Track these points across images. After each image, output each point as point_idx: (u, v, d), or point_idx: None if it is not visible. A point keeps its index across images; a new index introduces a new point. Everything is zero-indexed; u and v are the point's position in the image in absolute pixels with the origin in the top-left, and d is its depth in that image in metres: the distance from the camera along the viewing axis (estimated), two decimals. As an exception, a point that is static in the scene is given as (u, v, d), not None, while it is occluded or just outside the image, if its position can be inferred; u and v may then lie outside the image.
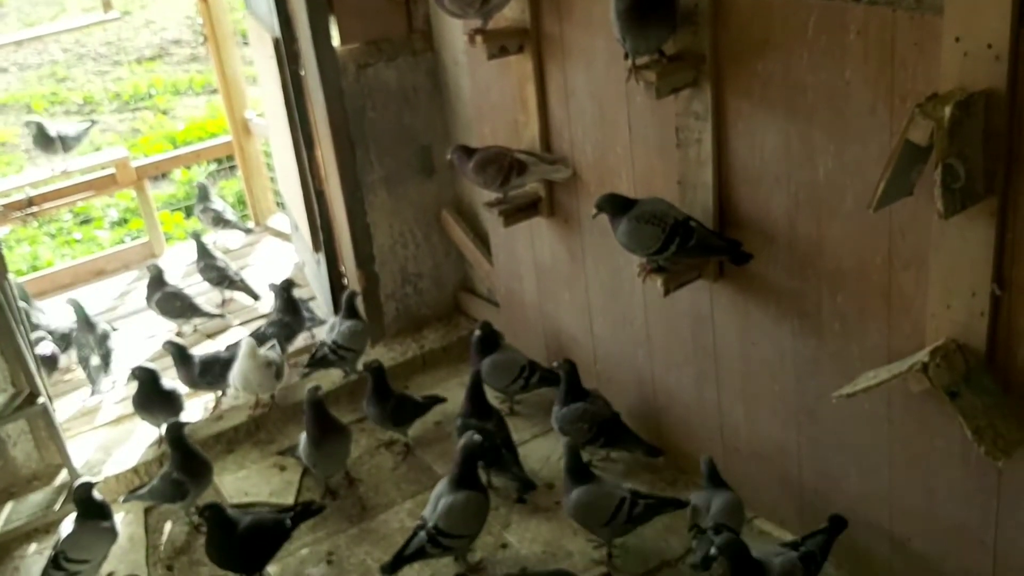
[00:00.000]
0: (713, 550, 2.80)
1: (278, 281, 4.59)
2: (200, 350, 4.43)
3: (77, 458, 3.96)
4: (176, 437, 3.60)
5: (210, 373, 4.12)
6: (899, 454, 2.75)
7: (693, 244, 2.87)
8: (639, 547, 3.31)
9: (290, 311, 4.53)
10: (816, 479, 3.05)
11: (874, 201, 2.27)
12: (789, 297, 2.88)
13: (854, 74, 2.47)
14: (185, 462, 3.59)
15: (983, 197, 2.24)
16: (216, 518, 3.26)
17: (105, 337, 4.54)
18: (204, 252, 5.08)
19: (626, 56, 2.81)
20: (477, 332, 4.00)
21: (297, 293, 4.63)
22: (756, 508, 3.30)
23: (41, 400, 3.72)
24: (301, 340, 4.64)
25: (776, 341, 2.98)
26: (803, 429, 3.02)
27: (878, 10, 2.37)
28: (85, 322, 4.54)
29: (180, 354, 4.13)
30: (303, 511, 3.44)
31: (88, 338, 4.51)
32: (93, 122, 5.85)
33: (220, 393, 4.28)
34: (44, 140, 5.49)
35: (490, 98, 3.90)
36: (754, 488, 3.28)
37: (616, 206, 2.96)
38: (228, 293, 5.13)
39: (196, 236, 5.18)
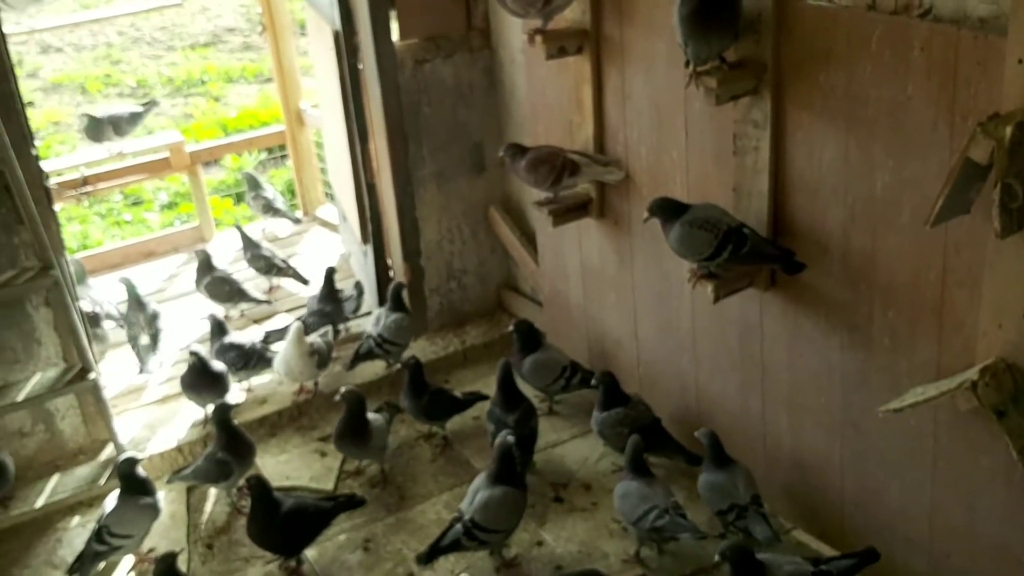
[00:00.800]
0: (717, 556, 2.84)
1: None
2: (246, 335, 4.50)
3: (123, 435, 4.04)
4: (223, 418, 3.67)
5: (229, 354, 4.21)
6: (943, 471, 2.74)
7: (746, 251, 2.88)
8: (675, 550, 3.32)
9: (331, 300, 4.61)
10: (858, 492, 3.05)
11: (931, 217, 2.28)
12: (840, 309, 2.88)
13: (916, 90, 2.47)
14: (231, 442, 3.66)
15: (1042, 218, 2.23)
16: (260, 494, 3.32)
17: (155, 317, 4.63)
18: (249, 242, 5.17)
19: (687, 62, 2.83)
20: (511, 328, 4.01)
21: (339, 284, 4.70)
22: (795, 519, 3.30)
23: (92, 376, 3.81)
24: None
25: (824, 353, 2.98)
26: (847, 442, 3.02)
27: (943, 28, 2.37)
28: (136, 301, 4.63)
29: (219, 329, 4.26)
30: (345, 502, 3.49)
31: (138, 317, 4.60)
32: (152, 103, 5.89)
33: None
34: (96, 131, 5.56)
35: (545, 98, 3.93)
36: (794, 499, 3.28)
37: (669, 210, 2.97)
38: (276, 280, 5.21)
39: (238, 227, 5.27)
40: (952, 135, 2.42)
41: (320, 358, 4.18)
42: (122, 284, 4.71)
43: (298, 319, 4.49)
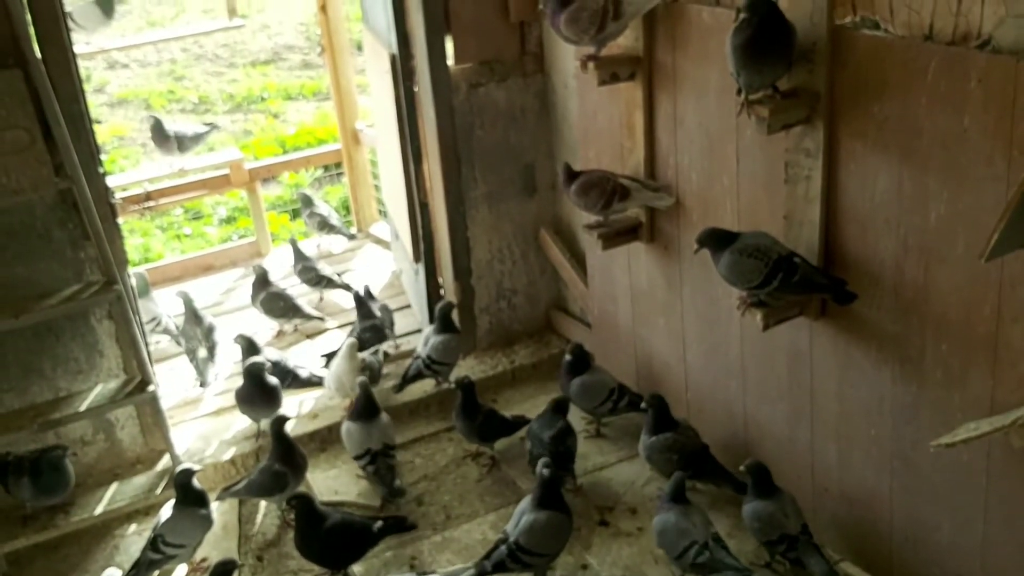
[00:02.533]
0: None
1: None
2: (278, 352, 4.57)
3: (179, 446, 4.13)
4: (279, 430, 3.74)
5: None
6: (995, 509, 2.69)
7: (796, 280, 2.86)
8: None
9: (371, 318, 4.68)
10: (907, 526, 3.00)
11: (987, 251, 2.24)
12: (891, 341, 2.85)
13: (972, 122, 2.45)
14: (287, 455, 3.73)
15: (1102, 254, 2.20)
16: (304, 509, 3.38)
17: (211, 330, 4.74)
18: (300, 255, 5.29)
19: (739, 91, 2.83)
20: (568, 357, 4.02)
21: (379, 301, 4.83)
22: (843, 551, 3.26)
23: (151, 388, 3.90)
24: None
25: (875, 384, 2.95)
26: (897, 475, 2.98)
27: (1001, 59, 2.35)
28: (193, 315, 4.74)
29: (250, 348, 4.33)
30: (394, 524, 3.53)
31: (195, 331, 4.71)
32: (214, 126, 6.07)
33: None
34: (161, 137, 5.73)
35: (597, 122, 3.96)
36: (843, 531, 3.24)
37: (718, 240, 2.97)
38: (326, 293, 5.30)
39: (292, 241, 5.40)
40: (1009, 168, 2.39)
41: (371, 374, 4.23)
42: (179, 298, 4.83)
43: (350, 335, 4.57)
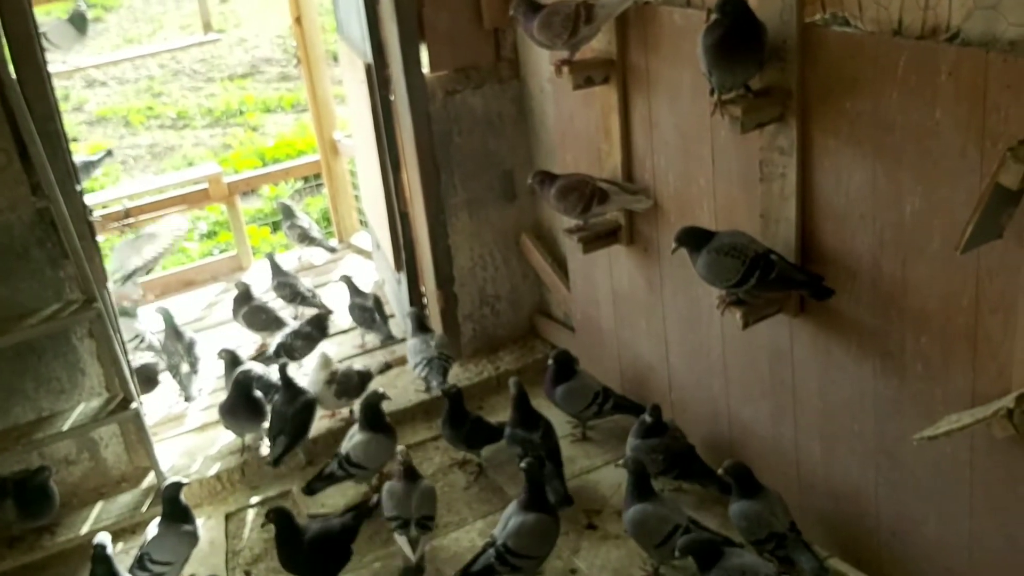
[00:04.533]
0: (677, 552, 2.95)
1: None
2: (262, 366, 4.52)
3: (164, 462, 4.11)
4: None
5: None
6: (980, 501, 2.70)
7: (773, 277, 2.87)
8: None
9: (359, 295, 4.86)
10: (894, 521, 3.01)
11: (961, 243, 2.26)
12: (871, 336, 2.86)
13: (944, 115, 2.46)
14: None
15: (1075, 243, 2.21)
16: (282, 524, 3.36)
17: (192, 345, 4.72)
18: (278, 270, 5.28)
19: (712, 91, 2.84)
20: (551, 363, 4.00)
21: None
22: (831, 547, 3.26)
23: (134, 405, 3.88)
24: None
25: (856, 380, 2.95)
26: (881, 470, 2.98)
27: (970, 52, 2.36)
28: (173, 331, 4.72)
29: (233, 361, 4.31)
30: (366, 511, 3.54)
31: (176, 346, 4.69)
32: (108, 153, 5.99)
33: None
34: None
35: (574, 126, 3.96)
36: (830, 527, 3.25)
37: (695, 240, 2.97)
38: (301, 309, 5.28)
39: (270, 256, 5.37)
40: (982, 160, 2.40)
41: (340, 388, 4.20)
42: (159, 314, 4.81)
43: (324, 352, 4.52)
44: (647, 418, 3.59)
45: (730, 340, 3.43)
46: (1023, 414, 2.35)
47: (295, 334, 4.69)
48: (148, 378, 4.50)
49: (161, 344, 4.82)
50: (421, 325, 4.40)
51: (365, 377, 4.31)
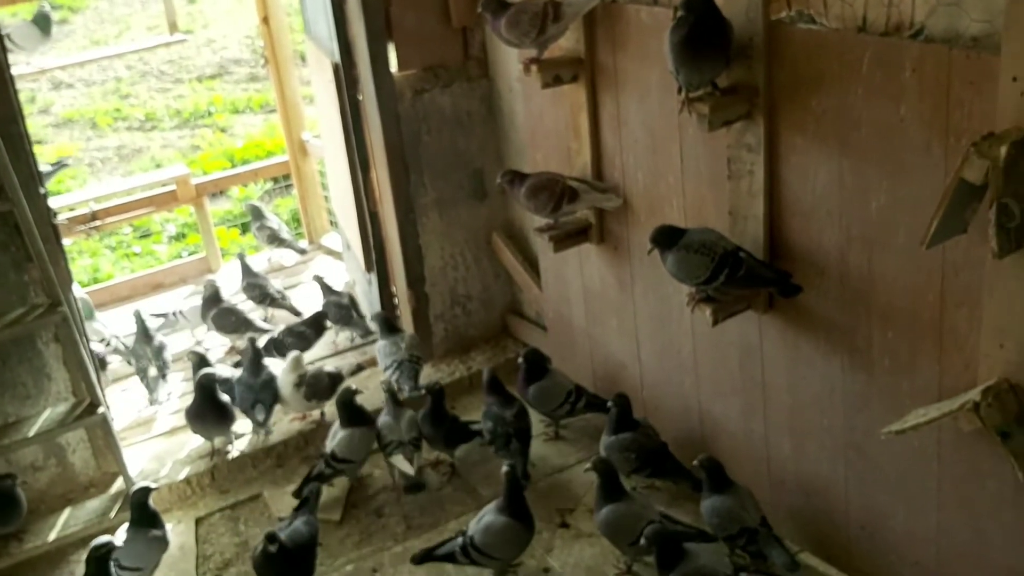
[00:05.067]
0: (643, 541, 2.98)
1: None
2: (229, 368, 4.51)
3: (132, 467, 4.06)
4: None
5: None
6: (948, 494, 2.72)
7: (742, 274, 2.87)
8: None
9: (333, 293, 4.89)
10: (863, 515, 3.03)
11: (927, 238, 2.27)
12: (839, 331, 2.88)
13: (909, 111, 2.48)
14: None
15: (1039, 237, 2.23)
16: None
17: (161, 349, 4.67)
18: (248, 271, 5.24)
19: (679, 88, 2.84)
20: (521, 362, 4.00)
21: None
22: (802, 542, 3.28)
23: (101, 410, 3.83)
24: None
25: (825, 375, 2.97)
26: (851, 465, 3.00)
27: (934, 48, 2.38)
28: (144, 333, 4.67)
29: (201, 363, 4.26)
30: (313, 495, 3.61)
31: (146, 349, 4.64)
32: (62, 164, 5.93)
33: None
34: None
35: (543, 125, 3.96)
36: (800, 522, 3.26)
37: (666, 238, 2.97)
38: (271, 311, 5.25)
39: (240, 256, 5.33)
40: (946, 156, 2.42)
41: (309, 390, 4.17)
42: (133, 316, 4.76)
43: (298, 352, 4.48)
44: (611, 407, 3.62)
45: (700, 337, 3.44)
46: (989, 407, 2.37)
47: (289, 331, 4.68)
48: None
49: (130, 347, 4.76)
50: (390, 327, 4.38)
51: (335, 379, 4.28)
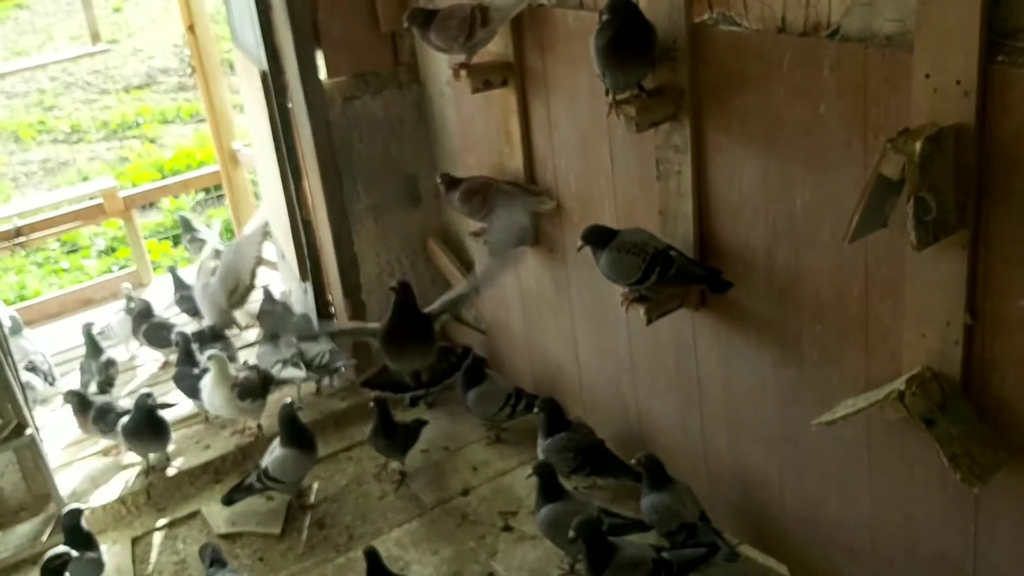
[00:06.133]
0: (571, 533, 2.99)
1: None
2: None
3: (64, 488, 3.97)
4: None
5: (103, 420, 4.07)
6: (878, 481, 2.78)
7: (673, 273, 2.91)
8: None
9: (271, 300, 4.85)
10: (799, 505, 3.08)
11: (849, 233, 2.32)
12: (769, 326, 2.93)
13: (828, 109, 2.53)
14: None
15: (955, 229, 2.29)
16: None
17: (109, 364, 4.59)
18: (180, 284, 5.17)
19: (607, 91, 2.87)
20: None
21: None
22: (741, 535, 3.33)
23: (29, 431, 3.73)
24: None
25: (757, 369, 3.02)
26: (785, 457, 3.06)
27: (850, 47, 2.43)
28: (93, 348, 4.57)
29: (79, 400, 4.13)
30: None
31: (91, 364, 4.55)
32: None
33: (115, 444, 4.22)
34: None
35: (475, 130, 3.96)
36: (739, 515, 3.31)
37: (598, 238, 3.00)
38: (204, 323, 5.16)
39: (172, 269, 5.25)
40: (865, 152, 2.48)
41: (242, 389, 4.09)
42: (81, 331, 4.69)
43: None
44: (538, 411, 3.65)
45: (636, 336, 3.47)
46: (913, 396, 2.43)
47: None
48: None
49: (45, 371, 4.67)
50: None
51: (267, 378, 4.21)
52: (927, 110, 2.24)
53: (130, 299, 4.98)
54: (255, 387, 4.14)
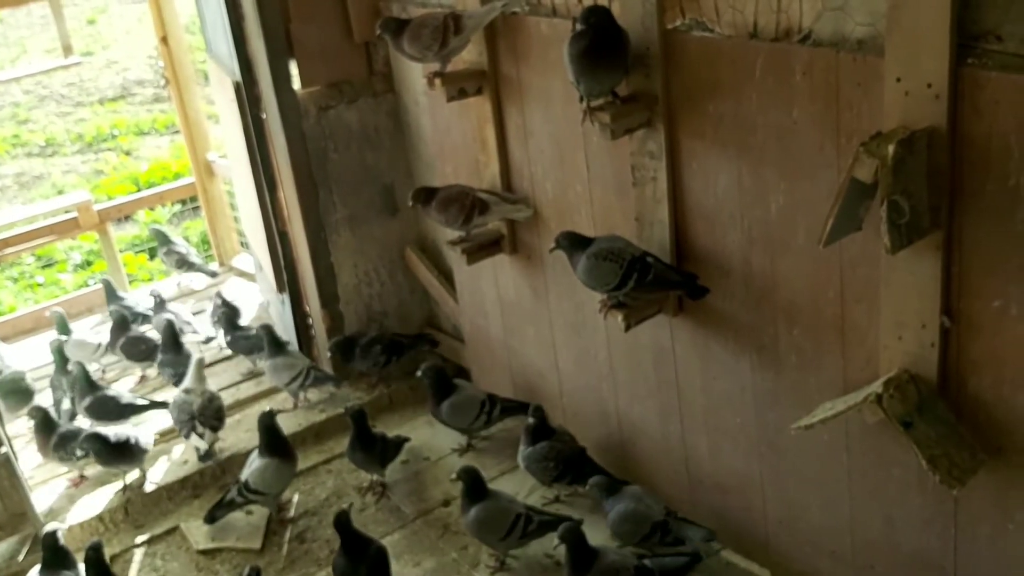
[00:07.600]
0: (555, 540, 3.04)
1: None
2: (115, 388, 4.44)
3: (40, 506, 3.92)
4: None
5: (64, 448, 4.00)
6: (858, 484, 2.79)
7: (650, 279, 2.91)
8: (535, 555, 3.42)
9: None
10: (780, 510, 3.08)
11: (823, 237, 2.32)
12: (747, 331, 2.93)
13: (801, 114, 2.54)
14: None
15: (929, 232, 2.30)
16: None
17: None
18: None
19: (581, 98, 2.86)
20: (427, 381, 3.96)
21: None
22: (723, 540, 3.33)
23: (3, 450, 3.68)
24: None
25: (736, 374, 3.02)
26: (765, 461, 3.06)
27: (822, 52, 2.44)
28: (63, 364, 4.52)
29: (44, 419, 4.06)
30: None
31: (62, 380, 4.49)
32: None
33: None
34: None
35: (451, 138, 3.95)
36: (720, 520, 3.31)
37: (574, 243, 3.00)
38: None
39: (154, 293, 5.14)
40: (839, 156, 2.48)
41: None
42: (50, 347, 4.61)
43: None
44: (531, 420, 3.62)
45: (615, 343, 3.47)
46: (891, 398, 2.43)
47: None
48: None
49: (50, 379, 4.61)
50: (278, 344, 4.37)
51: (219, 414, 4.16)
52: (899, 113, 2.25)
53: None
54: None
